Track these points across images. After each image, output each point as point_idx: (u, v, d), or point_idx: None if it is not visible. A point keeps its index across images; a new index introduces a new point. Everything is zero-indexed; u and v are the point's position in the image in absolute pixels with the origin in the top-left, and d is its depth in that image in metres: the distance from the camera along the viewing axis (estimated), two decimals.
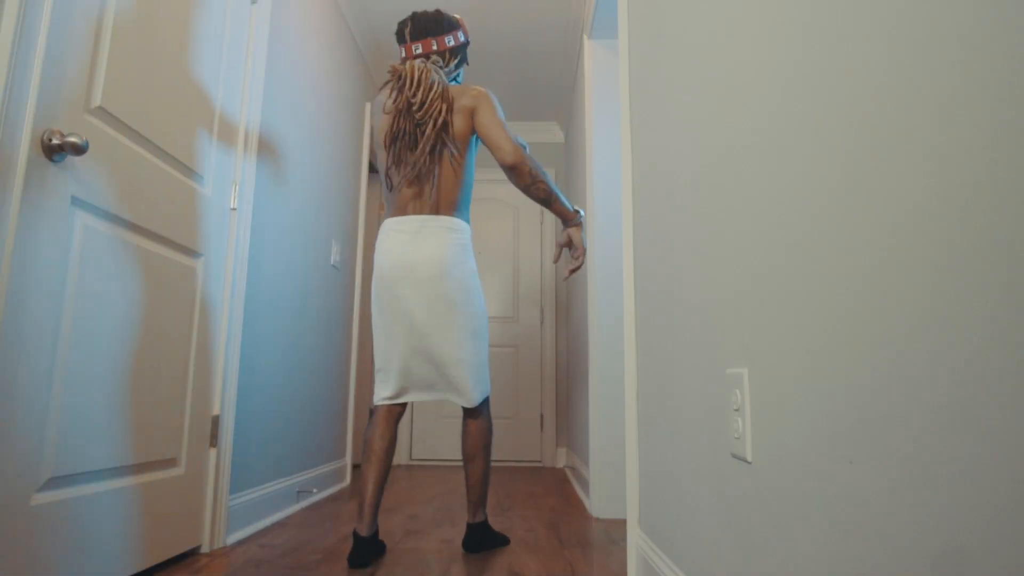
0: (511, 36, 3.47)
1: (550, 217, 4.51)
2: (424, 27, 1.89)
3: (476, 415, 1.87)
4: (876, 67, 0.57)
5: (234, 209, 1.97)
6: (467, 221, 1.87)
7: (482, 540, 1.89)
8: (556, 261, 1.97)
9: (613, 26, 2.69)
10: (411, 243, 1.78)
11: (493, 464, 4.25)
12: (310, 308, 2.69)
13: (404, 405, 1.86)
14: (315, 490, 2.63)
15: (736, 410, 0.90)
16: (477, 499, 1.88)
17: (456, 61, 1.93)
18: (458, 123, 1.81)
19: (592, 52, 2.80)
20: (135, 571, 1.50)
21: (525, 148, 1.80)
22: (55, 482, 1.25)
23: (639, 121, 1.65)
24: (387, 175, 1.86)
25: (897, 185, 0.53)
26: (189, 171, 1.73)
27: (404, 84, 1.78)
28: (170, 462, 1.65)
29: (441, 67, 1.87)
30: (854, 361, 0.60)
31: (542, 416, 4.31)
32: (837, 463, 0.62)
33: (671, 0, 1.32)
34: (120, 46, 1.42)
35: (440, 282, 1.77)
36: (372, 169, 4.40)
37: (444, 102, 1.78)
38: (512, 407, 4.31)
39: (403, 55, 1.92)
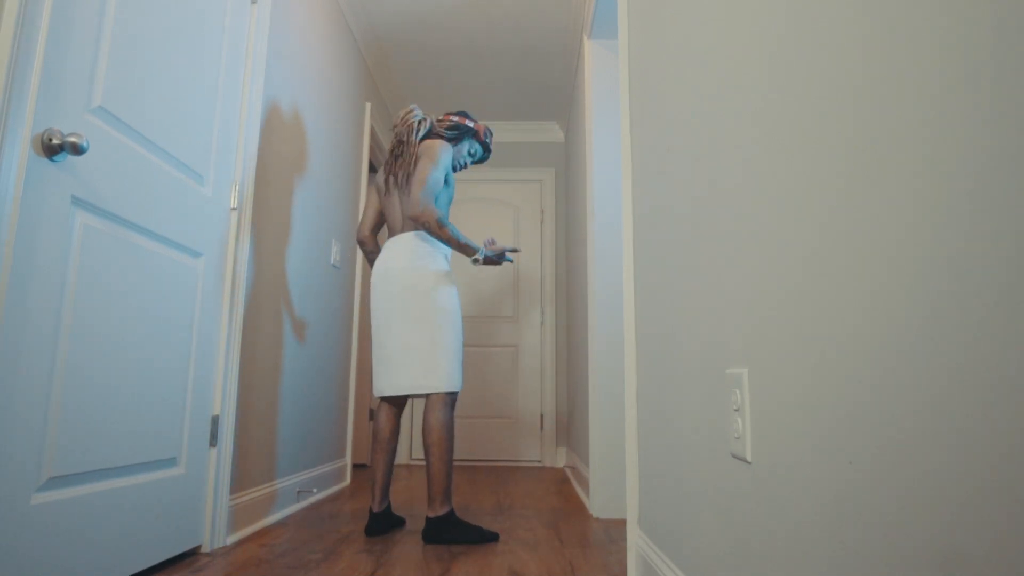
0: (511, 36, 3.47)
1: (550, 216, 4.51)
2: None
3: (432, 409, 2.01)
4: (881, 66, 0.57)
5: (234, 209, 1.97)
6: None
7: (439, 534, 1.95)
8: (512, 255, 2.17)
9: (613, 26, 2.69)
10: (386, 253, 2.13)
11: (493, 463, 4.25)
12: (310, 308, 2.69)
13: (400, 399, 2.14)
14: (315, 490, 2.63)
15: (736, 410, 0.90)
16: (434, 493, 1.97)
17: (456, 134, 2.24)
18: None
19: (592, 52, 2.80)
20: (135, 571, 1.50)
21: (434, 208, 2.02)
22: (55, 482, 1.25)
23: (639, 121, 1.65)
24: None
25: (898, 186, 0.53)
26: (189, 170, 1.73)
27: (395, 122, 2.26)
28: (170, 462, 1.65)
29: (432, 126, 2.22)
30: (854, 361, 0.60)
31: (542, 416, 4.31)
32: (837, 463, 0.62)
33: (671, 0, 1.32)
34: (120, 46, 1.42)
35: (397, 277, 2.05)
36: (372, 169, 4.40)
37: (411, 148, 2.15)
38: (512, 407, 4.31)
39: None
